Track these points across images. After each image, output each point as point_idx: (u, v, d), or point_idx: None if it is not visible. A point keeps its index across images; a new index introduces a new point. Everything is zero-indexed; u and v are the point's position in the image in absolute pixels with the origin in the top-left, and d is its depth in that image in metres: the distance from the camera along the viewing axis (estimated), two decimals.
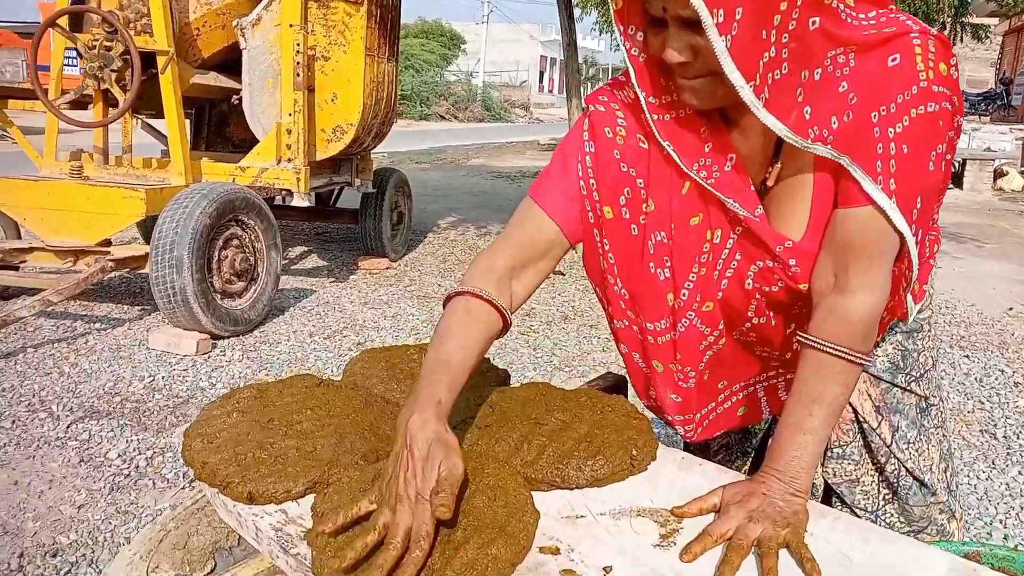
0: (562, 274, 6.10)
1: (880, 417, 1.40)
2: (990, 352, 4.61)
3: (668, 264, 1.24)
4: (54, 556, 2.35)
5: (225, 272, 4.30)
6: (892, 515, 1.43)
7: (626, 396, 1.69)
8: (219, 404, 1.33)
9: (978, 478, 3.07)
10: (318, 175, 5.29)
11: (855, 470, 1.43)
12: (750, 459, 1.59)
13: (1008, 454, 3.29)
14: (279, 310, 4.90)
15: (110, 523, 2.54)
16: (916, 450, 1.41)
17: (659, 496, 1.16)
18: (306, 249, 6.85)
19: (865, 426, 1.39)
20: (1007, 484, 3.03)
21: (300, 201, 5.01)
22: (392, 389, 1.44)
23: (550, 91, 53.68)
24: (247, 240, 4.49)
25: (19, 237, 4.90)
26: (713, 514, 1.10)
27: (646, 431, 1.26)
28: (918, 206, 1.10)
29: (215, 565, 1.17)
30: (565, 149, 1.32)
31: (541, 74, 53.45)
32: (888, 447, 1.40)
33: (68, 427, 3.18)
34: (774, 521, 1.04)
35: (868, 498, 1.43)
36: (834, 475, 1.41)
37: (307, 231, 7.65)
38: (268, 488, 1.13)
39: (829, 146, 1.08)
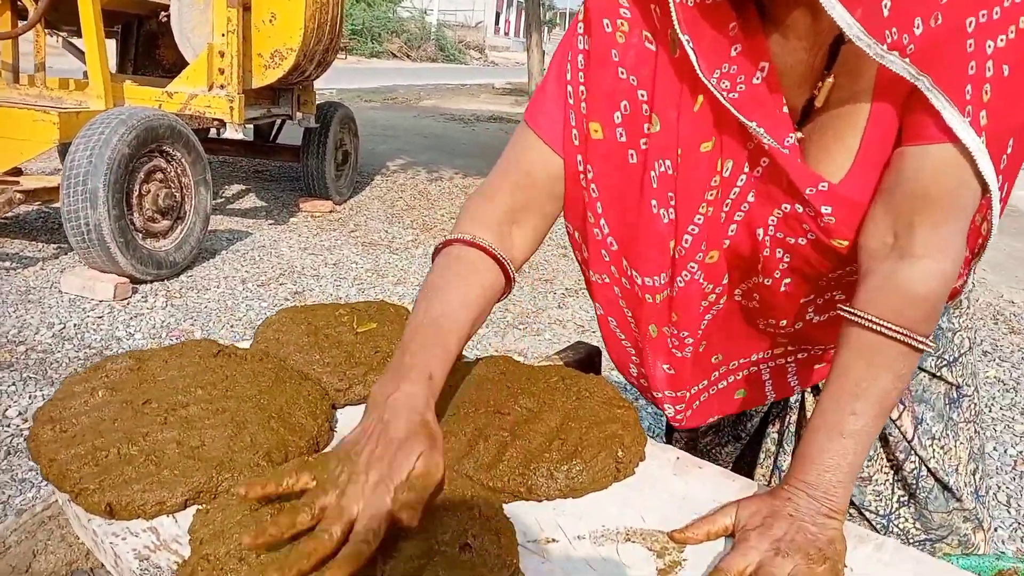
0: None
1: (901, 407, 1.16)
2: None
3: (672, 203, 0.96)
4: None
5: (147, 209, 3.90)
6: (907, 520, 1.20)
7: (598, 372, 1.43)
8: (83, 377, 1.02)
9: None
10: (255, 105, 4.86)
11: (867, 467, 1.19)
12: (741, 446, 1.35)
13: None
14: (209, 253, 4.51)
15: (3, 492, 2.22)
16: (941, 447, 1.18)
17: (652, 511, 0.90)
18: (243, 188, 6.41)
19: None
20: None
21: (234, 133, 4.60)
22: (313, 361, 1.14)
23: (506, 34, 52.51)
24: (172, 174, 4.08)
25: None
26: (724, 539, 0.85)
27: (633, 424, 1.00)
28: (1009, 150, 0.83)
29: None
30: (557, 52, 1.03)
31: (497, 15, 52.15)
32: (908, 442, 1.16)
33: None
34: (807, 555, 0.79)
35: (880, 500, 1.20)
36: None
37: (245, 168, 7.18)
38: (134, 498, 0.84)
39: (908, 59, 0.80)
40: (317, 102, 5.80)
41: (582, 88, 0.98)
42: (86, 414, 0.94)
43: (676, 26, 0.87)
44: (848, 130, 0.89)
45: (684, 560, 0.82)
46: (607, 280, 1.08)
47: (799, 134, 0.93)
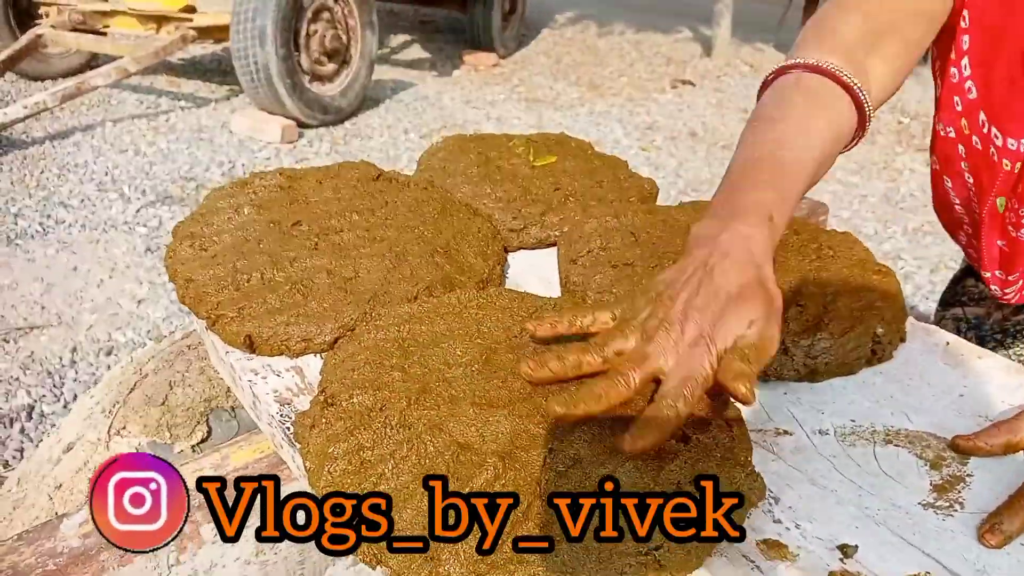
0: (692, 84, 5.36)
1: None
2: None
3: None
4: (108, 354, 2.10)
5: (314, 50, 3.82)
6: None
7: None
8: (229, 191, 0.89)
9: None
10: None
11: None
12: None
13: None
14: (374, 101, 4.43)
15: (171, 323, 2.27)
16: None
17: (922, 410, 0.68)
18: (409, 38, 6.25)
19: None
20: None
21: None
22: (484, 194, 0.97)
23: None
24: (339, 14, 3.96)
25: (105, 0, 4.52)
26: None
27: (895, 295, 0.76)
28: None
29: (208, 432, 0.78)
30: None
31: None
32: None
33: (138, 211, 2.90)
34: None
35: None
36: None
37: (411, 17, 7.01)
38: (277, 331, 0.71)
39: None
40: None
41: None
42: (229, 232, 0.81)
43: None
44: None
45: (969, 476, 0.61)
46: (951, 134, 0.83)
47: None
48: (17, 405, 1.89)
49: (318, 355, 0.71)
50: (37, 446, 1.75)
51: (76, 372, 2.03)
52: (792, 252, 0.80)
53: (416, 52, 5.89)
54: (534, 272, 0.91)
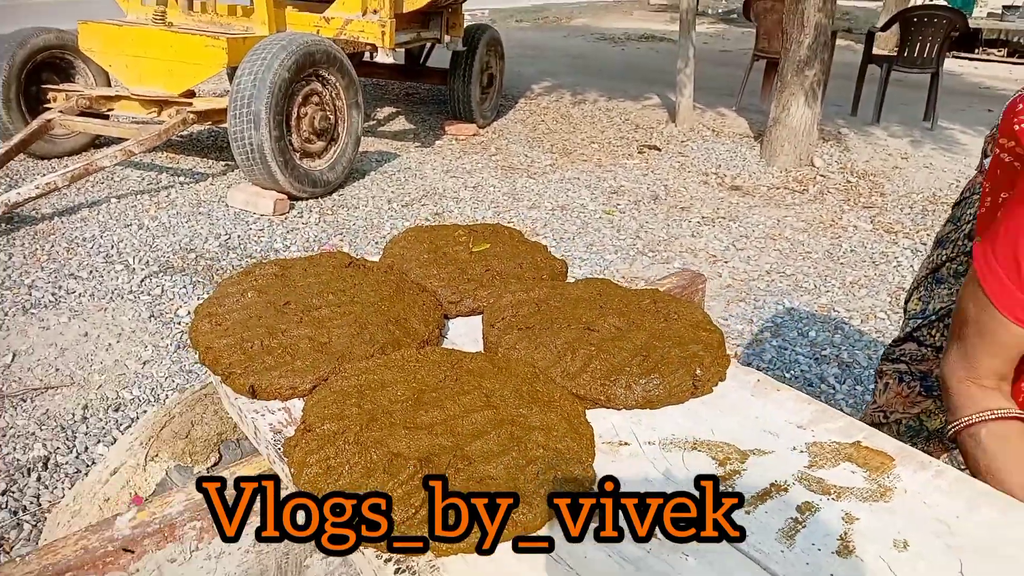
0: (658, 149, 5.75)
1: None
2: None
3: None
4: (116, 410, 2.37)
5: (304, 130, 4.17)
6: None
7: (702, 300, 1.48)
8: (236, 280, 1.19)
9: None
10: (405, 29, 5.03)
11: None
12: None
13: None
14: (360, 173, 4.78)
15: (173, 381, 2.55)
16: None
17: (723, 427, 0.97)
18: (394, 111, 6.66)
19: None
20: None
21: (385, 57, 4.79)
22: (431, 276, 1.27)
23: None
24: (328, 97, 4.32)
25: (109, 85, 4.89)
26: (783, 456, 0.91)
27: (716, 346, 1.06)
28: None
29: (219, 458, 1.06)
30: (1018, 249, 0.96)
31: None
32: None
33: (142, 281, 3.19)
34: None
35: None
36: None
37: (396, 91, 7.43)
38: (272, 382, 1.00)
39: None
40: (467, 23, 5.89)
41: None
42: (237, 311, 1.11)
43: None
44: None
45: (744, 470, 0.89)
46: None
47: None
48: (34, 457, 2.15)
49: (301, 399, 1.00)
50: (71, 485, 2.01)
51: (87, 427, 2.30)
52: (648, 316, 1.10)
53: (401, 123, 6.27)
54: (468, 335, 1.20)
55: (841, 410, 2.07)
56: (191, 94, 4.45)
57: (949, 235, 1.33)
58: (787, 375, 2.76)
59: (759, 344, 2.98)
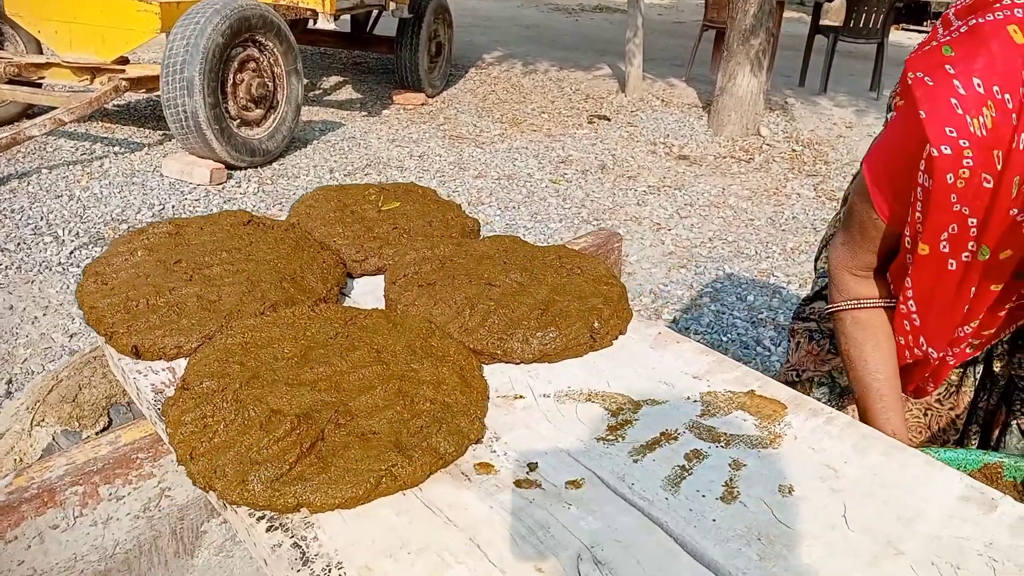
0: (607, 119, 5.73)
1: None
2: None
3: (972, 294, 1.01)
4: None
5: (241, 97, 4.06)
6: None
7: (617, 259, 1.47)
8: (127, 238, 1.14)
9: None
10: None
11: None
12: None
13: None
14: (302, 142, 4.68)
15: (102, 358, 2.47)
16: None
17: (619, 378, 0.96)
18: (340, 80, 6.53)
19: None
20: None
21: (326, 24, 4.68)
22: (336, 234, 1.23)
23: None
24: (265, 63, 4.21)
25: (40, 53, 4.70)
26: (676, 405, 0.90)
27: (616, 299, 1.04)
28: None
29: (109, 422, 1.02)
30: (897, 148, 1.02)
31: None
32: None
33: (71, 253, 3.10)
34: None
35: None
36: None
37: (344, 60, 7.29)
38: (156, 341, 0.96)
39: None
40: None
41: (919, 215, 0.98)
42: (125, 270, 1.06)
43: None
44: None
45: (636, 420, 0.88)
46: (900, 342, 1.14)
47: None
48: None
49: (187, 358, 0.97)
50: None
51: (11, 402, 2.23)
52: (550, 271, 1.08)
53: (347, 93, 6.16)
54: (372, 293, 1.17)
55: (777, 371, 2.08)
56: (124, 61, 4.30)
57: None
58: (724, 338, 2.78)
59: (697, 309, 2.99)
